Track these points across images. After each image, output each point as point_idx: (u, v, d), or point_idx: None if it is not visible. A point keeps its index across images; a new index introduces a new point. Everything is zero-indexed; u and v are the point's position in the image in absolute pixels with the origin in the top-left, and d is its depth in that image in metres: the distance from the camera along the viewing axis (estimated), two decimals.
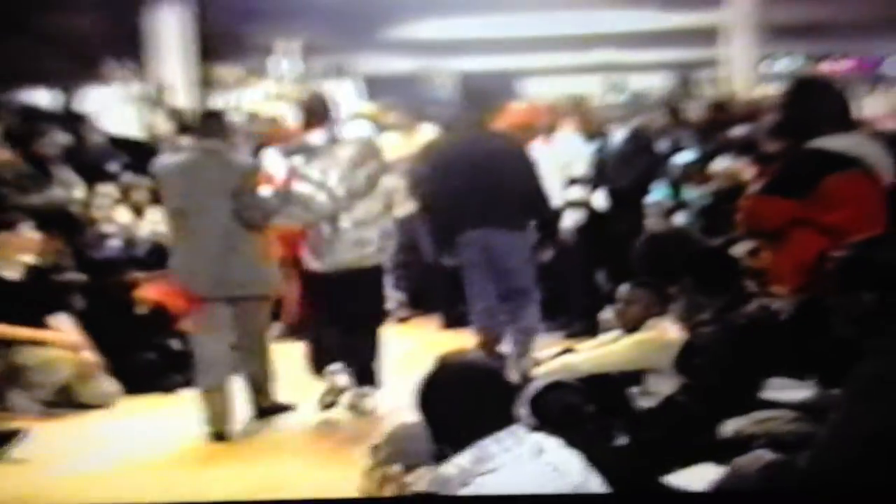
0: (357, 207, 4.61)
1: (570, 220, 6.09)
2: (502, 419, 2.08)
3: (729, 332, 3.38)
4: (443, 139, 5.62)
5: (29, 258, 4.97)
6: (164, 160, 4.81)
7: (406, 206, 6.32)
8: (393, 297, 6.46)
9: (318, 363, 4.75)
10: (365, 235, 4.64)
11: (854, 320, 2.17)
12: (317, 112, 4.67)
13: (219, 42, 9.93)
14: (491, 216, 4.83)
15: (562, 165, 6.09)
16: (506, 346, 5.04)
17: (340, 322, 4.70)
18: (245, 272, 4.40)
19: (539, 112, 6.43)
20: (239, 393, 4.59)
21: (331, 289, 4.63)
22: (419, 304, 7.14)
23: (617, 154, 6.53)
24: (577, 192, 6.11)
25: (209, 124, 4.54)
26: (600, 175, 6.25)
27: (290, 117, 6.34)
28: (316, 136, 4.66)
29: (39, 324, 4.89)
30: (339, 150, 4.65)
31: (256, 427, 4.60)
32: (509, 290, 4.94)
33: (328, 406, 4.71)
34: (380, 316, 4.93)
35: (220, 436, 4.38)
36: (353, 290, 4.63)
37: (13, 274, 4.90)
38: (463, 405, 2.07)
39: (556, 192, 6.03)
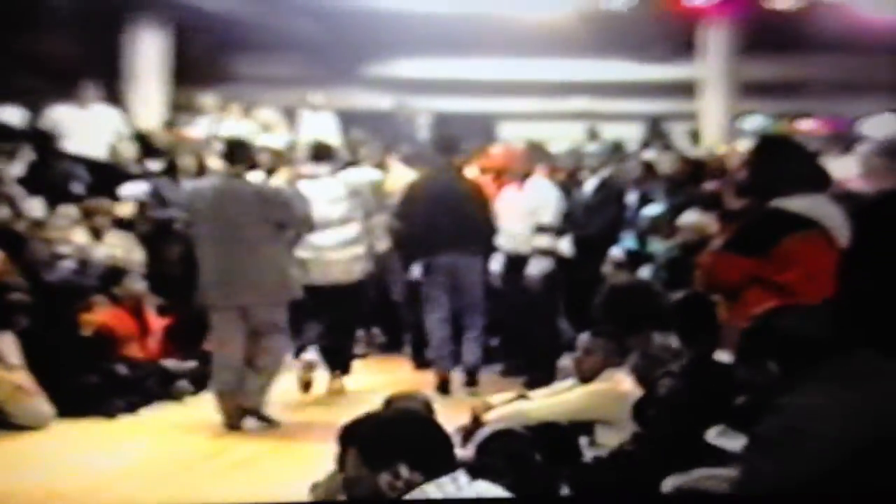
0: (328, 235, 5.51)
1: (535, 268, 6.04)
2: (436, 467, 2.04)
3: (690, 385, 3.36)
4: (417, 179, 6.31)
5: None
6: (197, 186, 5.68)
7: (381, 244, 6.39)
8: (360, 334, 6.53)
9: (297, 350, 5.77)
10: (335, 258, 5.62)
11: (755, 386, 2.24)
12: (318, 153, 5.78)
13: (197, 69, 9.92)
14: (457, 243, 5.79)
15: (530, 210, 6.08)
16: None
17: (317, 323, 5.76)
18: (276, 280, 4.98)
19: (514, 156, 6.44)
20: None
21: (308, 298, 5.43)
22: (388, 342, 7.10)
23: (586, 202, 6.54)
24: (543, 241, 6.07)
25: (236, 152, 5.10)
26: (569, 222, 6.26)
27: (292, 150, 7.38)
28: (308, 169, 5.77)
29: None
30: (323, 186, 5.63)
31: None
32: (466, 305, 5.89)
33: (306, 384, 5.74)
34: (349, 321, 5.95)
35: (234, 427, 4.91)
36: (326, 301, 5.61)
37: None
38: (396, 453, 2.03)
39: (524, 237, 6.04)
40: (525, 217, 6.08)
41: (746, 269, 3.29)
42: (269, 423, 5.03)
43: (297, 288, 5.18)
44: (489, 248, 6.06)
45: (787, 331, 2.28)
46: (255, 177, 5.89)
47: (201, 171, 7.09)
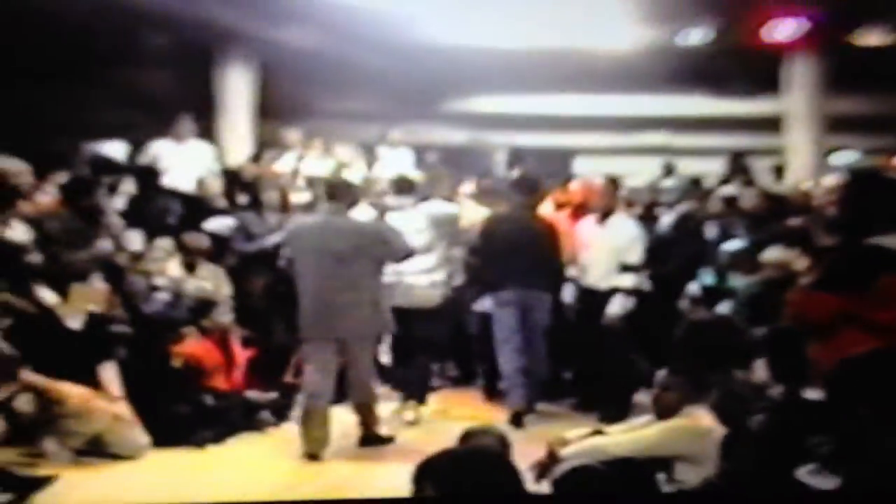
0: (412, 262, 5.62)
1: (618, 307, 6.00)
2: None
3: (780, 422, 3.31)
4: (494, 215, 6.47)
5: (93, 308, 5.12)
6: (301, 221, 5.98)
7: (457, 278, 6.47)
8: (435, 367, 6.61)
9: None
10: (418, 283, 5.84)
11: (844, 427, 2.15)
12: (402, 186, 6.15)
13: (281, 104, 10.20)
14: (528, 279, 5.95)
15: (616, 250, 6.03)
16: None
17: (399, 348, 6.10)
18: (372, 314, 5.21)
19: (596, 192, 6.41)
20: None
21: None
22: (461, 376, 7.11)
23: (664, 237, 6.48)
24: (629, 280, 6.04)
25: (339, 191, 5.41)
26: (646, 257, 6.21)
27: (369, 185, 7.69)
28: (393, 200, 6.11)
29: (90, 372, 4.99)
30: (407, 217, 5.90)
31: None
32: (531, 341, 5.98)
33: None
34: (429, 346, 6.05)
35: (313, 456, 5.05)
36: (407, 324, 5.71)
37: (75, 323, 5.05)
38: (465, 490, 2.06)
39: (604, 273, 6.02)
40: (608, 254, 6.04)
41: (840, 307, 3.20)
42: (385, 441, 5.34)
43: (391, 322, 5.40)
44: (558, 287, 6.17)
45: (882, 374, 2.20)
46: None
47: (285, 205, 7.28)
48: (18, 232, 5.51)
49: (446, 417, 5.97)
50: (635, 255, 6.04)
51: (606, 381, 5.99)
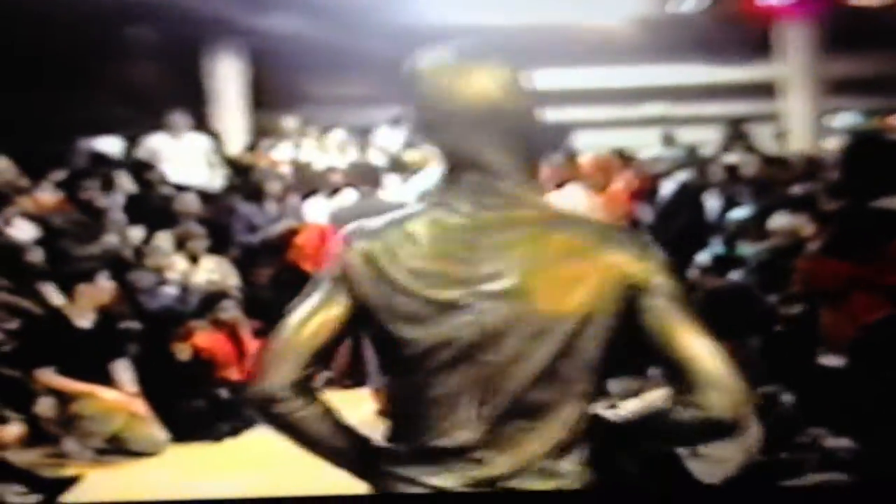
0: None
1: None
2: None
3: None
4: None
5: (101, 307, 5.12)
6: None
7: None
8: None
9: None
10: None
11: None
12: (398, 167, 6.61)
13: (275, 92, 10.13)
14: None
15: None
16: None
17: None
18: None
19: (552, 169, 6.36)
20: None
21: None
22: None
23: (662, 207, 6.46)
24: None
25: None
26: (648, 229, 6.19)
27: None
28: (388, 181, 6.36)
29: (102, 370, 5.00)
30: (398, 196, 5.94)
31: None
32: None
33: None
34: None
35: None
36: None
37: (85, 322, 5.05)
38: None
39: None
40: None
41: (850, 273, 3.20)
42: None
43: None
44: None
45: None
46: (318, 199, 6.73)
47: (285, 194, 7.23)
48: (22, 230, 5.49)
49: None
50: None
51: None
